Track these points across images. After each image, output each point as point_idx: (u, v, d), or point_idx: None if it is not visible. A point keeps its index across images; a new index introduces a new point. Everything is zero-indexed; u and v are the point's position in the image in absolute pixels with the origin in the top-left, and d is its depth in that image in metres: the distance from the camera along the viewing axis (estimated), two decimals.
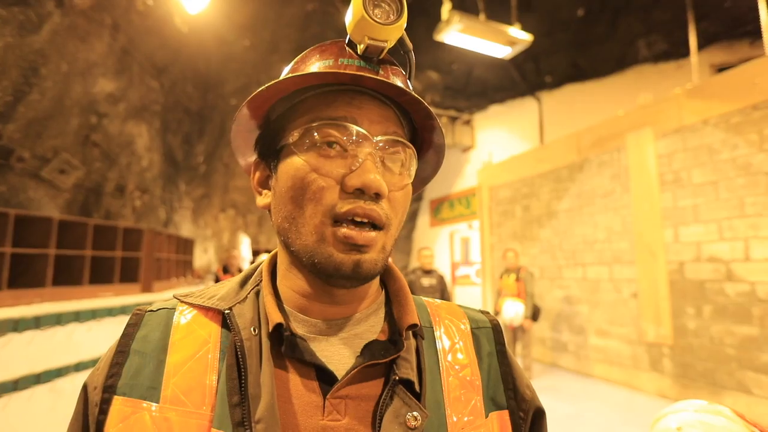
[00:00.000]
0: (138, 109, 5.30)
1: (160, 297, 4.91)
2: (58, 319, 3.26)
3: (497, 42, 4.73)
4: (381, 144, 0.43)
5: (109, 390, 0.42)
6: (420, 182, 0.53)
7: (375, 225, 0.42)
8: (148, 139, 5.70)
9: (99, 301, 4.03)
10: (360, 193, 0.41)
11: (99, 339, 3.47)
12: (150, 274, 5.36)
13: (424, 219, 11.43)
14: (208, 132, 7.40)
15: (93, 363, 3.31)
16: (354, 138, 0.43)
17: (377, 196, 0.42)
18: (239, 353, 0.41)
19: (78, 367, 3.19)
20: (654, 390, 4.31)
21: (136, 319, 0.47)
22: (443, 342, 0.50)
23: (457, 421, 0.45)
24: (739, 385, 3.66)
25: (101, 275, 4.71)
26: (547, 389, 4.58)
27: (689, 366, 4.01)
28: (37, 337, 2.99)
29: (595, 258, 5.11)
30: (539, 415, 0.52)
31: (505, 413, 0.49)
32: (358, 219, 0.41)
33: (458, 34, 4.56)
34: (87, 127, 4.54)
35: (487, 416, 0.47)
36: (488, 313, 0.57)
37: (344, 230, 0.41)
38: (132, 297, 4.63)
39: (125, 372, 0.42)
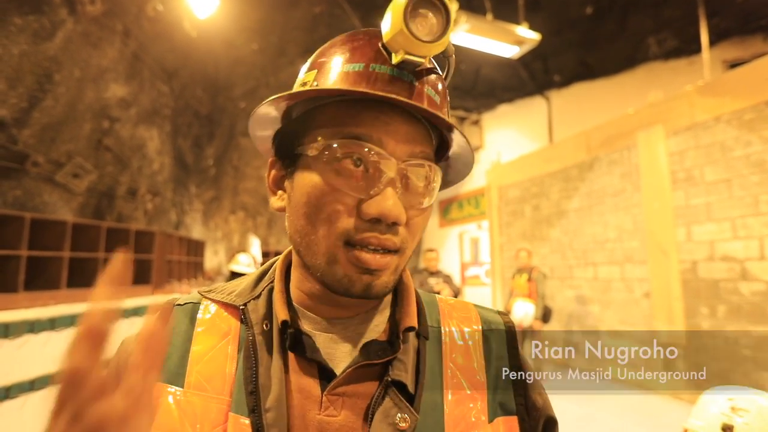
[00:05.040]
0: (149, 113, 5.37)
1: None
2: (73, 321, 3.31)
3: (505, 41, 4.71)
4: (407, 165, 0.42)
5: None
6: (444, 184, 0.52)
7: (387, 251, 0.42)
8: (158, 143, 5.77)
9: None
10: (376, 221, 0.40)
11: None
12: (161, 275, 5.43)
13: (433, 219, 11.40)
14: (217, 135, 7.47)
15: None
16: (377, 160, 0.40)
17: (394, 224, 0.41)
18: (252, 346, 0.44)
19: None
20: (667, 391, 4.25)
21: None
22: (449, 343, 0.49)
23: (455, 424, 0.44)
24: (755, 386, 3.60)
25: None
26: (557, 390, 4.54)
27: (703, 366, 3.95)
28: (53, 338, 3.04)
29: (606, 257, 5.06)
30: (551, 424, 0.50)
31: (514, 419, 0.47)
32: (371, 247, 0.41)
33: (465, 34, 4.55)
34: (99, 131, 4.61)
35: (491, 421, 0.46)
36: (504, 314, 0.55)
37: (357, 253, 0.40)
38: (144, 299, 4.69)
39: None
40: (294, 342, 0.44)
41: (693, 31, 5.52)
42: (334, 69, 0.43)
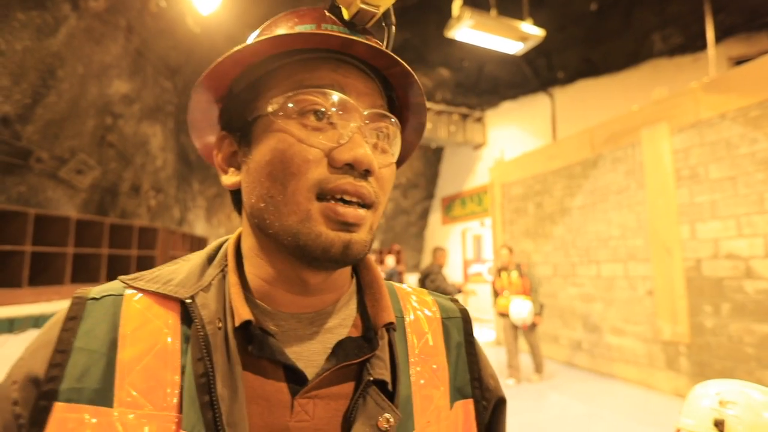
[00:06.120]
0: (152, 109, 5.38)
1: None
2: None
3: (509, 38, 4.69)
4: (369, 117, 0.40)
5: (47, 396, 0.35)
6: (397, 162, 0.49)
7: (362, 204, 0.39)
8: (162, 139, 5.78)
9: None
10: (349, 168, 0.38)
11: None
12: None
13: (435, 217, 11.39)
14: None
15: None
16: (341, 109, 0.39)
17: (367, 173, 0.39)
18: (205, 350, 0.37)
19: None
20: (670, 389, 4.24)
21: (77, 309, 0.40)
22: (413, 332, 0.48)
23: (423, 414, 0.44)
24: (759, 384, 3.58)
25: (117, 273, 4.79)
26: (561, 388, 4.54)
27: (707, 365, 3.93)
28: None
29: (610, 255, 5.04)
30: (500, 403, 0.52)
31: (470, 402, 0.49)
32: (348, 197, 0.38)
33: (469, 30, 4.53)
34: (103, 127, 4.62)
35: (452, 407, 0.47)
36: (457, 301, 0.56)
37: (333, 206, 0.37)
38: None
39: (68, 374, 0.36)
40: (258, 345, 0.39)
41: (698, 28, 5.48)
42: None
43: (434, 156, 11.11)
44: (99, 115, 4.51)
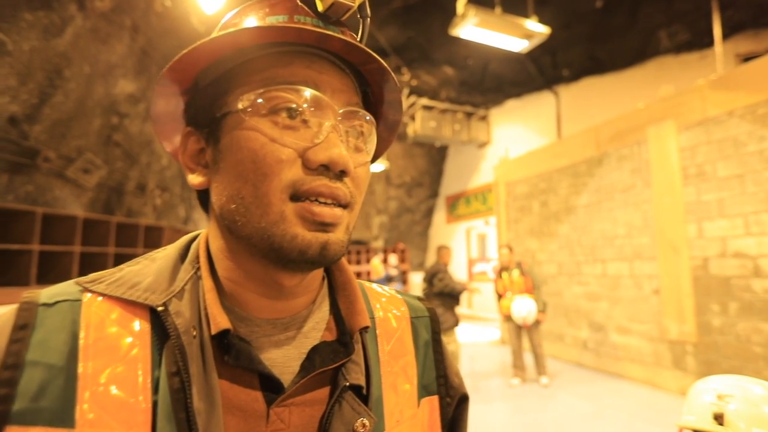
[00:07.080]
0: None
1: None
2: None
3: (513, 35, 4.66)
4: (344, 115, 0.39)
5: None
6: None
7: (338, 204, 0.38)
8: None
9: None
10: (324, 169, 0.37)
11: None
12: None
13: (440, 215, 11.38)
14: None
15: None
16: (315, 107, 0.37)
17: (342, 174, 0.37)
18: (182, 361, 0.34)
19: None
20: (677, 388, 4.22)
21: (27, 316, 0.35)
22: (383, 332, 0.48)
23: (392, 413, 0.44)
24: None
25: None
26: (566, 387, 4.52)
27: (714, 364, 3.91)
28: None
29: (615, 254, 5.02)
30: (463, 399, 0.54)
31: (435, 399, 0.50)
32: (323, 199, 0.37)
33: (474, 28, 4.51)
34: (109, 127, 4.64)
35: (419, 404, 0.47)
36: (425, 300, 0.56)
37: (308, 206, 0.36)
38: None
39: (22, 393, 0.32)
40: (234, 354, 0.37)
41: (705, 24, 5.44)
42: (253, 25, 0.39)
43: (438, 154, 11.10)
44: (105, 114, 4.53)
